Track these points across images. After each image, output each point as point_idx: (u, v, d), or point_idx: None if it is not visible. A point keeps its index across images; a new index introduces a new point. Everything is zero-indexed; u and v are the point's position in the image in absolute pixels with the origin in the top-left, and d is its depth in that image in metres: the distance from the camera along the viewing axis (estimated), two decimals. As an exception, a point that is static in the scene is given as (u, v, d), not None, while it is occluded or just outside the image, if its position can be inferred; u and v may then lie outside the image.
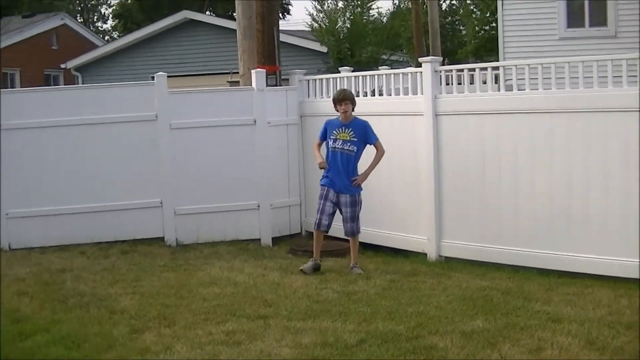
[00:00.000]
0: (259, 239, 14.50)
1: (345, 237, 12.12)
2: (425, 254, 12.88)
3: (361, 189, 11.93)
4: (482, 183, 12.28)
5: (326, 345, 8.12)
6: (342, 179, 11.77)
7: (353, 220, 11.85)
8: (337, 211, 11.90)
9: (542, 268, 11.53)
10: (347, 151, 11.75)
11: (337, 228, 12.11)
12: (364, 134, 11.85)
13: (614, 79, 11.00)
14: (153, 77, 14.49)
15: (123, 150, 14.10)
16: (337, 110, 11.90)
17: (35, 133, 13.85)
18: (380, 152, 11.95)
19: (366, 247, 12.79)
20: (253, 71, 14.83)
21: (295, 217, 15.16)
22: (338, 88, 14.39)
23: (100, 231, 13.94)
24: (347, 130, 11.76)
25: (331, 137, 11.82)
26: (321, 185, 11.95)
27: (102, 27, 74.19)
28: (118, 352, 8.07)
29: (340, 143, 11.76)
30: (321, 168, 11.87)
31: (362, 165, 11.94)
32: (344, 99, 11.82)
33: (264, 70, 14.86)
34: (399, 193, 13.25)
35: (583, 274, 11.10)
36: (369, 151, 11.95)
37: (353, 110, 11.87)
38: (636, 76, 10.76)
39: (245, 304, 9.83)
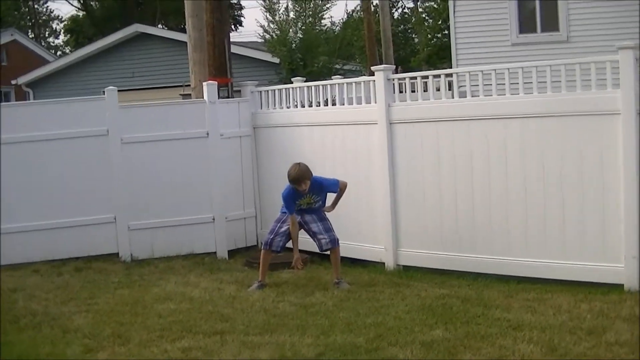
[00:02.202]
0: (215, 252, 14.34)
1: (322, 252, 11.86)
2: (383, 264, 12.77)
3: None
4: (438, 190, 12.20)
5: (284, 360, 8.00)
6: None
7: (328, 230, 11.62)
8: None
9: (501, 274, 11.47)
10: (312, 207, 11.62)
11: (302, 240, 11.92)
12: (324, 191, 11.68)
13: (567, 83, 10.98)
14: (104, 92, 14.27)
15: (75, 166, 13.85)
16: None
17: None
18: (343, 187, 11.82)
19: (323, 257, 12.63)
20: (204, 83, 14.69)
21: (250, 229, 15.01)
22: (291, 98, 14.32)
23: (53, 248, 13.66)
24: (307, 196, 11.50)
25: (296, 208, 11.55)
26: (282, 212, 11.74)
27: (54, 43, 73.69)
28: (71, 373, 7.89)
29: (305, 206, 11.57)
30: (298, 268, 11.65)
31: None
32: (300, 181, 11.28)
33: (216, 82, 14.70)
34: (356, 202, 13.11)
35: (542, 279, 11.06)
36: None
37: (310, 181, 11.41)
38: (590, 80, 10.77)
39: (201, 320, 9.68)
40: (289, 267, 12.19)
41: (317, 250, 11.93)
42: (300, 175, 11.29)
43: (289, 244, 11.71)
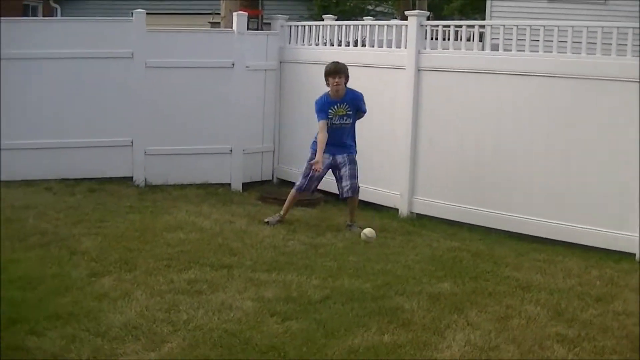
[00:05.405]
0: (229, 184, 14.29)
1: (344, 197, 11.62)
2: (397, 210, 12.68)
3: (356, 151, 11.57)
4: (460, 142, 12.09)
5: (289, 300, 7.91)
6: (340, 145, 11.35)
7: (354, 177, 11.40)
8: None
9: (514, 232, 11.41)
10: (344, 125, 11.30)
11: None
12: (358, 105, 11.39)
13: (602, 46, 10.77)
14: (132, 14, 14.09)
15: (96, 87, 13.66)
16: (328, 84, 11.22)
17: (2, 64, 13.15)
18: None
19: (338, 198, 12.55)
20: (234, 13, 14.49)
21: (267, 164, 14.96)
22: (321, 35, 14.16)
23: (68, 168, 13.53)
24: (342, 105, 11.21)
25: (328, 116, 11.23)
26: (313, 150, 11.43)
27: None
28: (74, 296, 7.78)
29: (337, 119, 11.23)
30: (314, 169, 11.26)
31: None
32: (337, 72, 11.15)
33: (246, 13, 14.51)
34: (376, 145, 13.01)
35: (555, 240, 10.97)
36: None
37: (345, 84, 11.24)
38: (626, 45, 10.56)
39: (209, 252, 9.62)
40: (302, 206, 12.14)
41: (332, 190, 11.79)
42: (340, 67, 11.20)
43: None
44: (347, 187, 11.38)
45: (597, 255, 10.42)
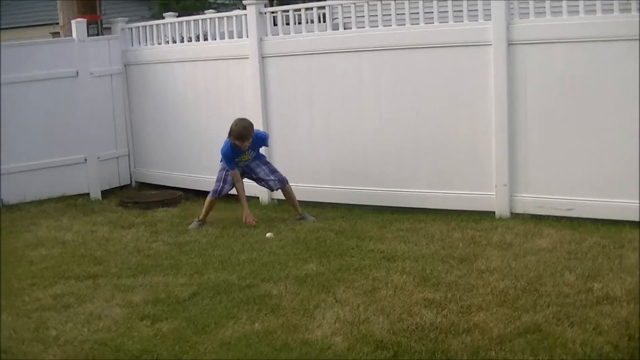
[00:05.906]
0: (88, 193, 14.11)
1: (275, 190, 11.69)
2: (258, 198, 12.70)
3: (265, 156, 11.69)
4: (311, 123, 12.25)
5: (158, 302, 7.89)
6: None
7: (274, 172, 11.45)
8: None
9: (375, 205, 11.59)
10: (249, 161, 11.39)
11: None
12: (261, 145, 11.48)
13: (441, 14, 10.97)
14: (-33, 32, 13.79)
15: (-61, 110, 13.30)
16: (235, 143, 11.02)
17: None
18: None
19: (199, 194, 12.55)
20: (73, 21, 14.27)
21: (124, 169, 14.81)
22: (162, 34, 14.08)
23: None
24: (248, 153, 11.19)
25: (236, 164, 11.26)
26: (222, 164, 11.40)
27: None
28: (-63, 329, 7.62)
29: (242, 163, 11.31)
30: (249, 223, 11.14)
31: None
32: (247, 137, 10.89)
33: (85, 19, 14.33)
34: (229, 138, 13.05)
35: (416, 209, 11.19)
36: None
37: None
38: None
39: (73, 264, 9.50)
40: (163, 206, 12.11)
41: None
42: (246, 132, 10.91)
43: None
44: (274, 181, 11.44)
45: (459, 217, 10.67)
